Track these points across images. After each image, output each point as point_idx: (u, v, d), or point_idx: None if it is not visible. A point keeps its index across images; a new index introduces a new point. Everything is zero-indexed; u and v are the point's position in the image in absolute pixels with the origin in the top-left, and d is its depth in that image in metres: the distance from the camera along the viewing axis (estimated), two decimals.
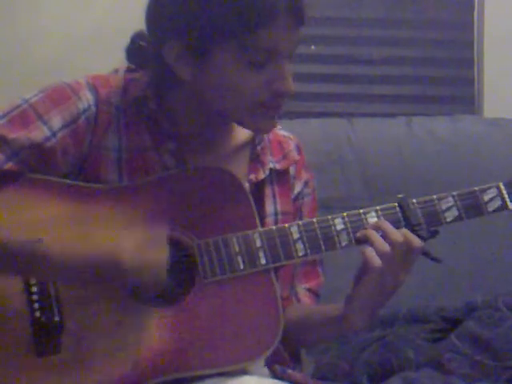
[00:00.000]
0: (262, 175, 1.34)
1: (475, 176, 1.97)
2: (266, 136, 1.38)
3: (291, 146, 1.43)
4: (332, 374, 1.58)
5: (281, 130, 1.44)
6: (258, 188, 1.34)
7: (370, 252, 1.20)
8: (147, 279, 1.13)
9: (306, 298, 1.42)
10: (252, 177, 1.33)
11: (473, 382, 1.47)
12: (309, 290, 1.43)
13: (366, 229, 1.24)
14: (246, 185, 1.31)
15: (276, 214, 1.36)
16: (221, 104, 1.23)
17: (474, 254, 1.98)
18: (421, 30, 2.47)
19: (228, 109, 1.23)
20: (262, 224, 1.28)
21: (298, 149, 1.44)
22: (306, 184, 1.44)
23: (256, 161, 1.35)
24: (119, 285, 1.16)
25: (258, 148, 1.35)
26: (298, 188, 1.42)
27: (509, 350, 1.50)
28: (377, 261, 1.19)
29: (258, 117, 1.23)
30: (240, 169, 1.33)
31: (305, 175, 1.44)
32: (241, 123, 1.27)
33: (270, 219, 1.34)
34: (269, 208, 1.35)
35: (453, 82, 2.47)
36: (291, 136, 1.45)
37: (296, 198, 1.42)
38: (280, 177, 1.38)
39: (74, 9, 2.21)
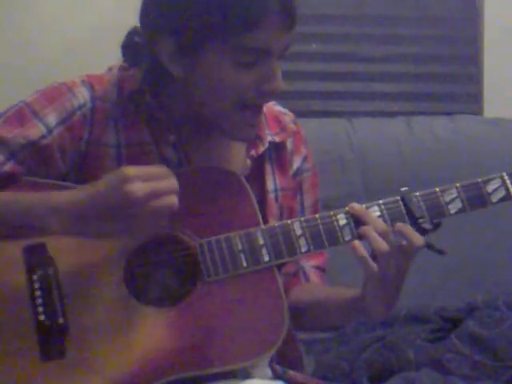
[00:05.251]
0: (261, 148, 1.34)
1: (475, 176, 1.96)
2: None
3: (287, 119, 1.43)
4: (332, 374, 1.59)
5: (276, 106, 1.43)
6: (259, 165, 1.34)
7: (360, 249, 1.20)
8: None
9: (314, 276, 1.42)
10: (253, 153, 1.33)
11: (473, 382, 1.47)
12: (316, 267, 1.43)
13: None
14: (248, 162, 1.31)
15: (276, 190, 1.36)
16: (207, 105, 1.23)
17: (474, 254, 1.98)
18: (421, 27, 2.46)
19: (213, 112, 1.23)
20: (266, 201, 1.28)
21: (295, 123, 1.44)
22: (304, 159, 1.43)
23: (255, 137, 1.34)
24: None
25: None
26: (297, 163, 1.42)
27: (509, 350, 1.51)
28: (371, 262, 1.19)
29: (240, 123, 1.23)
30: (241, 149, 1.33)
31: (304, 150, 1.43)
32: (222, 130, 1.27)
33: (271, 196, 1.35)
34: (270, 185, 1.35)
35: (454, 80, 2.46)
36: (287, 111, 1.45)
37: (295, 174, 1.41)
38: (278, 152, 1.38)
39: (74, 9, 2.21)
